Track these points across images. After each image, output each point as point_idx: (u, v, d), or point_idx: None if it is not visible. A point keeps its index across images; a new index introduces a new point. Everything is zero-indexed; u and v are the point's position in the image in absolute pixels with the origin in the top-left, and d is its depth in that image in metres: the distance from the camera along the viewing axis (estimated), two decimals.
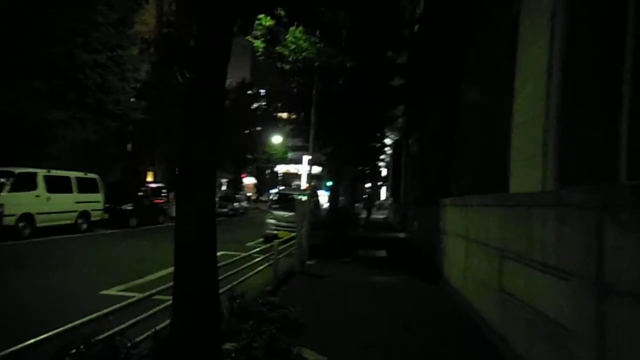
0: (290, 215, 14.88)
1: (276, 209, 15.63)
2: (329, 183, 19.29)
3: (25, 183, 12.79)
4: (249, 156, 41.08)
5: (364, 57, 9.93)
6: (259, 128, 42.28)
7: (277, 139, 43.36)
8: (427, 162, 13.12)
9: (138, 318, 3.71)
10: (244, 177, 49.78)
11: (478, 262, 5.83)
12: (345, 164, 22.53)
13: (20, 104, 12.89)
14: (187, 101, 3.30)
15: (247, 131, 38.98)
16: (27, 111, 13.34)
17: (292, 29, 7.52)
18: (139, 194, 19.25)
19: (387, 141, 32.27)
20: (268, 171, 61.11)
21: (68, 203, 14.11)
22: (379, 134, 14.55)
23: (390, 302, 6.76)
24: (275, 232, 14.93)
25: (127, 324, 3.62)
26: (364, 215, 26.59)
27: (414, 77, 12.41)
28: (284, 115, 38.55)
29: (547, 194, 3.85)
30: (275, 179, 64.16)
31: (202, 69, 3.20)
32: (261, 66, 44.76)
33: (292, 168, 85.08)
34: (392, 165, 33.98)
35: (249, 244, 14.43)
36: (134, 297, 4.02)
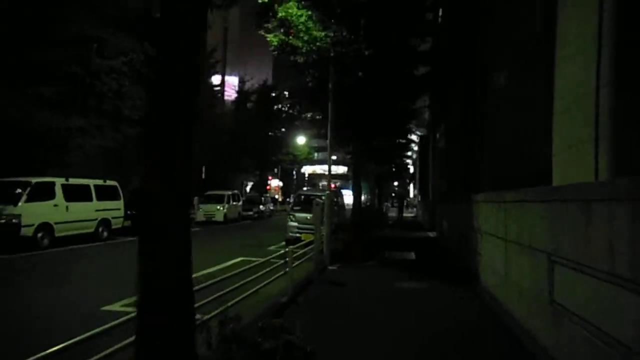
0: (309, 217, 14.28)
1: (298, 210, 15.01)
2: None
3: (43, 192, 12.63)
4: (273, 158, 40.74)
5: (384, 44, 9.17)
6: (283, 130, 41.91)
7: (301, 140, 42.84)
8: (454, 156, 12.21)
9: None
10: (270, 179, 49.59)
11: (521, 267, 4.99)
12: (369, 161, 21.78)
13: (34, 112, 12.74)
14: (150, 89, 2.66)
15: (270, 133, 38.68)
16: (43, 119, 13.21)
17: (297, 12, 6.87)
18: None
19: (414, 138, 31.31)
20: (294, 172, 60.76)
21: (87, 211, 13.90)
22: (404, 129, 13.66)
23: (420, 315, 5.98)
24: (297, 234, 14.35)
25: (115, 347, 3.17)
26: (394, 214, 25.67)
27: (438, 65, 11.56)
28: (308, 115, 38.22)
29: (615, 186, 3.03)
30: (302, 180, 63.84)
31: (168, 39, 2.56)
32: (283, 68, 44.56)
33: (318, 169, 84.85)
34: (419, 162, 32.89)
35: (270, 247, 13.86)
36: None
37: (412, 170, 54.00)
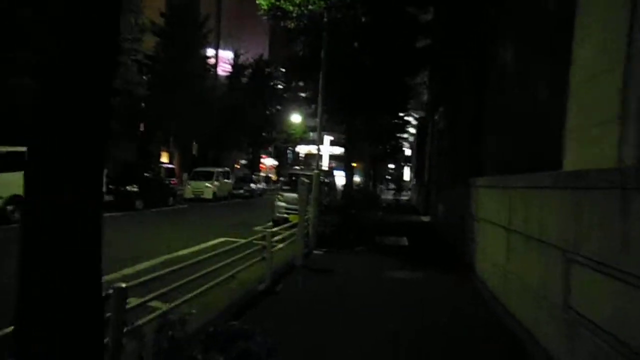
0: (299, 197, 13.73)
1: (287, 190, 14.32)
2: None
3: (15, 163, 11.80)
4: (267, 135, 39.80)
5: (382, 11, 8.35)
6: (278, 107, 40.91)
7: (296, 118, 41.87)
8: (454, 138, 11.51)
9: None
10: (264, 158, 48.76)
11: (527, 262, 4.36)
12: (364, 141, 21.06)
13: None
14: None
15: (267, 111, 37.69)
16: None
17: None
18: (146, 174, 18.25)
19: (411, 120, 30.50)
20: (289, 152, 59.93)
21: None
22: (401, 107, 12.84)
23: (411, 310, 5.37)
24: (285, 215, 13.72)
25: None
26: (389, 197, 25.10)
27: (440, 38, 10.73)
28: (300, 89, 37.21)
29: None
30: (297, 160, 63.04)
31: None
32: (279, 43, 43.22)
33: (314, 149, 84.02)
34: (416, 145, 32.16)
35: (257, 228, 13.23)
36: None
37: (407, 152, 53.29)
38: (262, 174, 41.07)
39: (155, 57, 24.37)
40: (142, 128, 27.09)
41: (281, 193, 14.33)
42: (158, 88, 24.32)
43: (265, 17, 9.93)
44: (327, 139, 71.41)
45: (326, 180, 16.04)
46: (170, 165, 22.29)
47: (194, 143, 35.50)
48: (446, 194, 11.45)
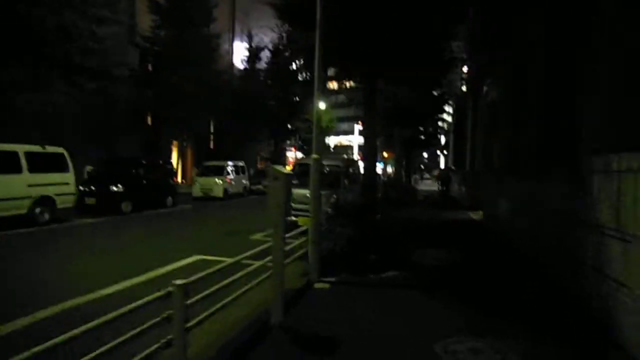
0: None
1: (295, 185, 11.14)
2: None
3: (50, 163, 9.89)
4: (290, 126, 36.67)
5: None
6: (296, 96, 37.73)
7: (320, 105, 38.46)
8: (524, 106, 7.99)
9: None
10: (294, 150, 45.75)
11: None
12: (394, 122, 17.57)
13: None
14: None
15: (288, 99, 34.51)
16: None
17: None
18: (135, 171, 15.48)
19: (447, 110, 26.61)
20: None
21: (14, 186, 10.45)
22: (440, 68, 9.30)
23: None
24: (293, 217, 10.62)
25: None
26: (424, 187, 21.47)
27: None
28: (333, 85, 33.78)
29: None
30: (327, 152, 59.96)
31: None
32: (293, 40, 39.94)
33: (344, 140, 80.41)
34: (454, 127, 28.25)
35: (255, 236, 10.16)
36: None
37: (442, 140, 48.81)
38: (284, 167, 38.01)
39: (154, 38, 21.60)
40: (149, 121, 24.62)
41: None
42: (161, 72, 21.62)
43: None
44: (357, 127, 68.21)
45: (351, 170, 12.76)
46: (163, 159, 19.08)
47: (211, 135, 32.90)
48: (516, 186, 7.94)
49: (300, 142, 40.69)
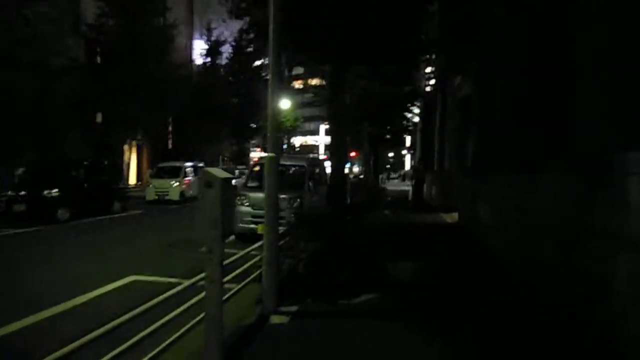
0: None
1: (252, 189, 9.96)
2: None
3: None
4: (253, 125, 35.22)
5: None
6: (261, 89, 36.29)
7: (285, 104, 37.29)
8: (508, 99, 7.13)
9: None
10: (259, 150, 44.23)
11: None
12: (359, 118, 16.60)
13: None
14: None
15: (246, 95, 33.03)
16: None
17: None
18: (75, 174, 13.81)
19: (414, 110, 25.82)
20: (285, 144, 55.46)
21: None
22: (410, 61, 8.29)
23: None
24: (252, 226, 9.44)
25: None
26: (392, 187, 20.61)
27: None
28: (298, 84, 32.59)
29: None
30: (292, 153, 58.68)
31: None
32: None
33: (310, 140, 79.24)
34: (422, 124, 27.63)
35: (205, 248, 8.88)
36: None
37: (408, 141, 48.38)
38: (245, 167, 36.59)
39: (100, 27, 19.75)
40: (99, 119, 22.67)
41: (244, 192, 9.92)
42: (110, 65, 19.80)
43: None
44: (323, 127, 67.26)
45: (317, 171, 11.61)
46: (102, 161, 17.22)
47: (169, 135, 31.05)
48: (502, 190, 7.04)
49: (263, 141, 39.20)
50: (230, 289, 4.06)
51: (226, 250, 3.13)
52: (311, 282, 4.92)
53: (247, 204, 9.59)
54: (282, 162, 11.76)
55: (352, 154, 41.45)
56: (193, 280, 3.41)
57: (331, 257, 5.33)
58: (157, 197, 19.10)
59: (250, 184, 10.43)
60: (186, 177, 20.50)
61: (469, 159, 10.85)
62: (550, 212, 4.83)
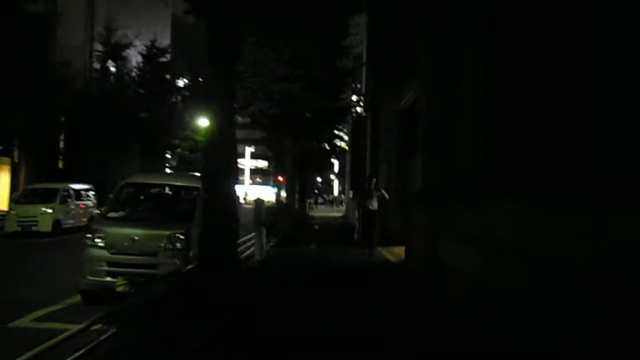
0: (146, 235, 6.34)
1: (114, 221, 6.70)
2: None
3: None
4: (163, 142, 31.12)
5: None
6: (175, 99, 32.55)
7: (203, 122, 33.66)
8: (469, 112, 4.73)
9: None
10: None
11: None
12: (285, 132, 13.90)
13: None
14: None
15: (157, 108, 29.08)
16: None
17: None
18: None
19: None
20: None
21: None
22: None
23: None
24: (107, 278, 6.18)
25: None
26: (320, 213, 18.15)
27: None
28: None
29: None
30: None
31: None
32: (186, 33, 34.90)
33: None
34: (350, 147, 25.57)
35: (24, 320, 5.42)
36: None
37: (336, 166, 46.72)
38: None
39: None
40: None
41: (99, 227, 6.57)
42: None
43: None
44: (249, 150, 63.54)
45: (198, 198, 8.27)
46: None
47: (59, 153, 26.12)
48: (496, 216, 4.46)
49: (175, 163, 35.22)
50: None
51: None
52: None
53: (101, 244, 6.26)
54: (164, 181, 8.59)
55: (280, 178, 38.62)
56: None
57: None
58: (19, 229, 14.74)
59: (110, 215, 7.02)
60: (66, 202, 16.31)
61: (417, 181, 8.44)
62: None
